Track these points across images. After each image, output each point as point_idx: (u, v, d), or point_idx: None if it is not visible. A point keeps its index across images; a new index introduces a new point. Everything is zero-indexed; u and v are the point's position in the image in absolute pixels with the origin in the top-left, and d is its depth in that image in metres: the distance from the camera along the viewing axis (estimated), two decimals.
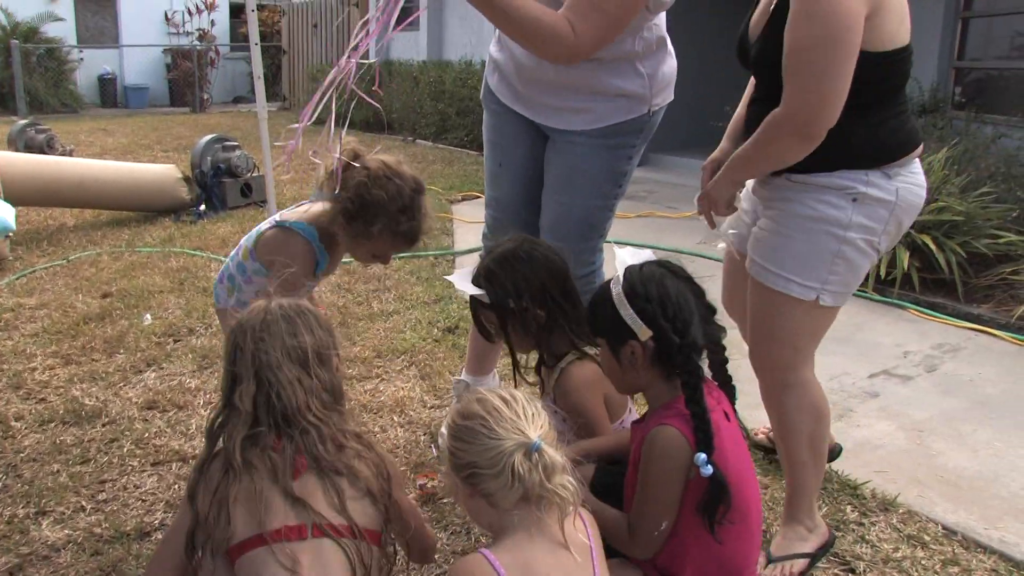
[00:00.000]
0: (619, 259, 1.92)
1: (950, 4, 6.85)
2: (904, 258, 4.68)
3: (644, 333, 1.81)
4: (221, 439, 1.70)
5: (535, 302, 2.14)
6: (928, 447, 3.04)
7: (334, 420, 1.73)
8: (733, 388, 1.95)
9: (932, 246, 4.68)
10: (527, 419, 1.60)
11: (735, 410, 1.95)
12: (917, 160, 2.15)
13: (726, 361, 1.93)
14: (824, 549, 2.34)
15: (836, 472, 2.77)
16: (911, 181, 2.11)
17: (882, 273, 4.68)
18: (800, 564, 2.27)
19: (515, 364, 2.27)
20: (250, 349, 1.71)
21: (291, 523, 1.60)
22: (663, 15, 2.54)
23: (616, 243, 2.13)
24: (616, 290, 1.86)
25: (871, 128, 2.03)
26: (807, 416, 2.28)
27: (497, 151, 2.78)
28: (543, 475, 1.56)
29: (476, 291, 2.16)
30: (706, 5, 9.28)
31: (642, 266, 1.89)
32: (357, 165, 2.36)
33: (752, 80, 2.33)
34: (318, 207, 2.46)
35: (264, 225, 2.58)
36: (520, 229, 2.70)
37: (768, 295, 2.20)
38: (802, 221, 2.10)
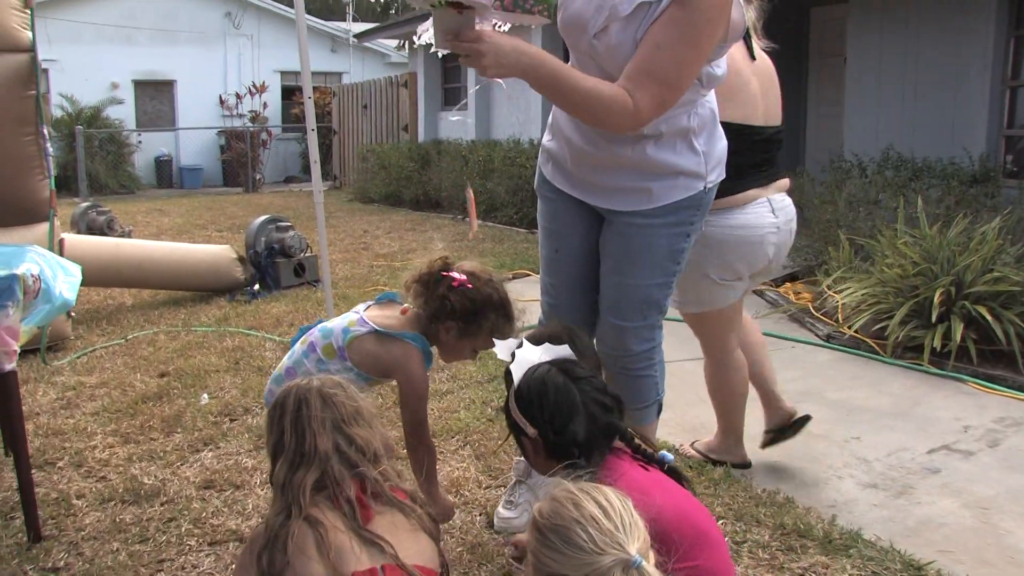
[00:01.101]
0: (518, 361, 2.06)
1: (996, 74, 6.85)
2: (959, 329, 4.61)
3: (530, 430, 1.98)
4: (286, 490, 1.78)
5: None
6: (996, 526, 2.96)
7: (393, 469, 1.88)
8: (660, 461, 2.00)
9: (988, 317, 4.61)
10: (626, 530, 1.48)
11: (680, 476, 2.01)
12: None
13: (636, 446, 2.01)
14: (742, 466, 3.42)
15: (899, 552, 2.71)
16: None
17: (937, 345, 4.61)
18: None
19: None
20: (318, 400, 1.86)
21: (363, 567, 1.67)
22: (713, 93, 2.58)
23: (525, 336, 2.19)
24: (510, 393, 2.04)
25: None
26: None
27: (553, 238, 2.80)
28: None
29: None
30: None
31: (535, 368, 2.03)
32: (454, 275, 2.57)
33: None
34: (395, 310, 2.65)
35: (341, 322, 2.62)
36: (578, 313, 2.75)
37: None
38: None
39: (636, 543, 1.47)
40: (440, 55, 2.29)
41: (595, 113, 2.30)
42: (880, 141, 7.28)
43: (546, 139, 2.79)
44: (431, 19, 2.17)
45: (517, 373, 2.03)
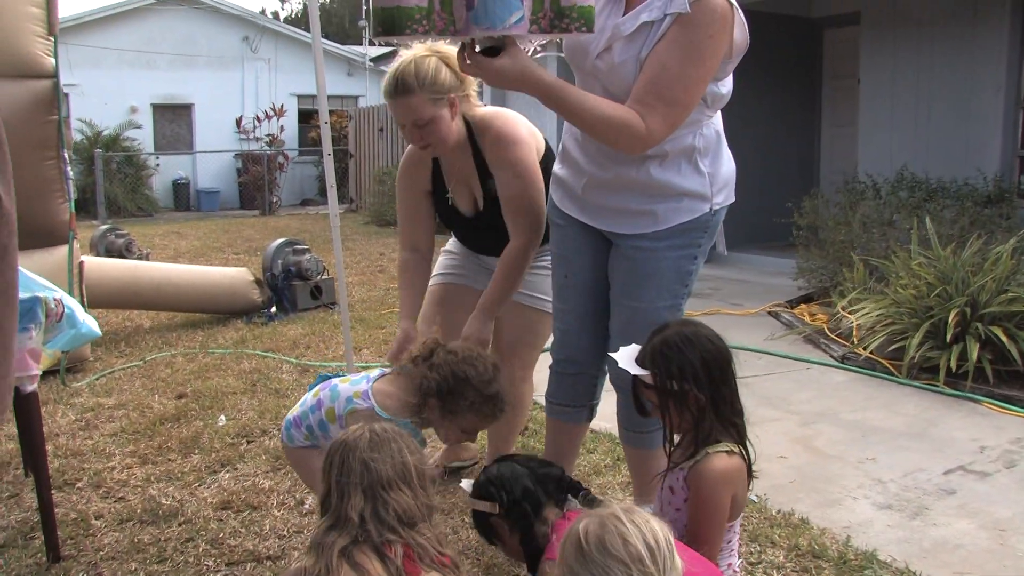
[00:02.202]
0: (464, 483, 2.33)
1: (1010, 95, 6.88)
2: (974, 350, 4.60)
3: (493, 508, 2.22)
4: (319, 549, 1.79)
5: (697, 386, 2.17)
6: (1013, 547, 2.95)
7: (433, 534, 1.87)
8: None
9: (1004, 338, 4.61)
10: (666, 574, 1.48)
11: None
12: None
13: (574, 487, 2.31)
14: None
15: (914, 573, 2.70)
16: None
17: (952, 366, 4.60)
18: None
19: (669, 439, 2.29)
20: (359, 465, 1.85)
21: None
22: (719, 115, 2.61)
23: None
24: (466, 496, 2.31)
25: None
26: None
27: (563, 264, 2.83)
28: None
29: (640, 372, 2.23)
30: (767, 107, 9.43)
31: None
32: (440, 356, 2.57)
33: None
34: (402, 386, 2.63)
35: (350, 390, 2.64)
36: (589, 339, 2.79)
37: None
38: None
39: None
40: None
41: (606, 133, 2.35)
42: (895, 162, 7.29)
43: (556, 167, 2.82)
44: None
45: (467, 486, 2.33)
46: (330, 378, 2.73)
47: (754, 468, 2.23)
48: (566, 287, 2.83)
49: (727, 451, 2.15)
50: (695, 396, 2.17)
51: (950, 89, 7.27)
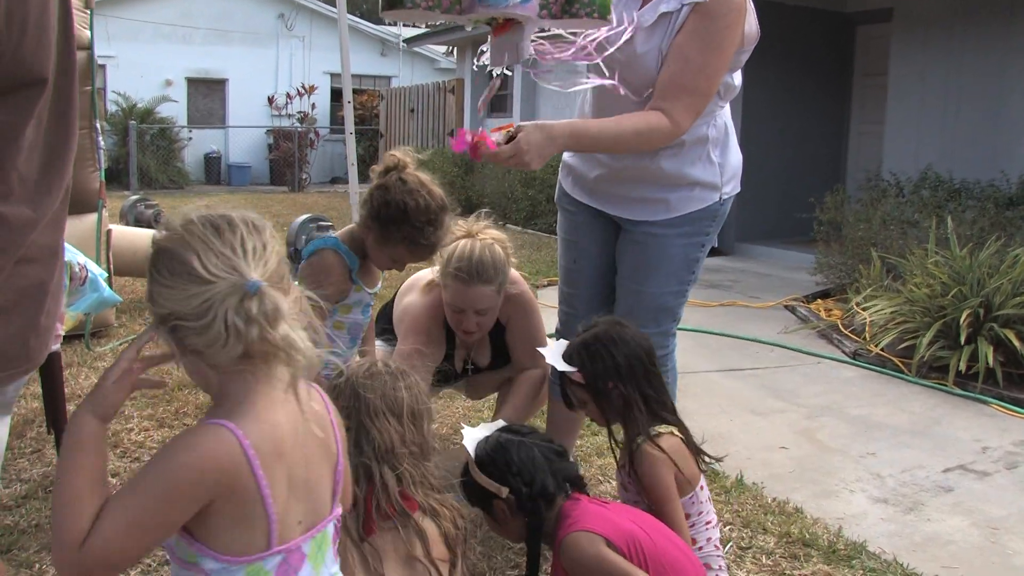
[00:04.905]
0: (467, 439, 2.22)
1: None
2: (988, 352, 4.62)
3: (502, 491, 2.11)
4: None
5: (623, 381, 2.27)
6: (1004, 546, 2.99)
7: (422, 469, 1.88)
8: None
9: (1015, 340, 4.62)
10: (246, 254, 1.31)
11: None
12: None
13: (583, 486, 2.23)
14: None
15: (901, 565, 2.76)
16: None
17: (962, 367, 4.63)
18: None
19: (611, 435, 2.39)
20: (350, 391, 1.86)
21: None
22: (728, 109, 2.68)
23: (466, 427, 2.30)
24: (471, 465, 2.17)
25: None
26: None
27: (572, 249, 2.90)
28: (265, 324, 1.26)
29: (568, 368, 2.31)
30: (797, 102, 9.45)
31: (487, 438, 2.20)
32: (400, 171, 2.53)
33: None
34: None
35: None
36: None
37: None
38: None
39: (259, 268, 1.31)
40: (497, 72, 2.38)
41: (640, 146, 2.47)
42: (919, 161, 7.29)
43: (567, 155, 2.89)
44: (488, 41, 2.28)
45: (470, 447, 2.20)
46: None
47: (703, 442, 2.39)
48: (574, 271, 2.90)
49: (657, 434, 2.25)
50: (621, 392, 2.28)
51: (979, 90, 7.24)
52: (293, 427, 1.36)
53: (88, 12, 4.96)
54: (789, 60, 8.94)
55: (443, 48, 21.24)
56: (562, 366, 2.33)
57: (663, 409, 2.33)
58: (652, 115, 2.39)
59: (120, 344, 5.17)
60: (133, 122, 17.76)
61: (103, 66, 18.91)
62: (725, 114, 2.68)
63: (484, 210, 3.06)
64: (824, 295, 6.85)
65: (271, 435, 1.32)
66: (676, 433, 2.28)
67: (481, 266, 2.77)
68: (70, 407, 3.74)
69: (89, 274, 3.17)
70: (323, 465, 1.44)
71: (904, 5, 7.91)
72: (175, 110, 20.39)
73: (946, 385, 4.69)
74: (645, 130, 2.40)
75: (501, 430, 2.23)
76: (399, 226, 2.46)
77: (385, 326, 3.37)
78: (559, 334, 2.98)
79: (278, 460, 1.32)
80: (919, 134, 7.64)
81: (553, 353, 2.38)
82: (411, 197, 2.44)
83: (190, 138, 20.20)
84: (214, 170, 20.86)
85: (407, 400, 1.89)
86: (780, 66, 8.53)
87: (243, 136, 21.04)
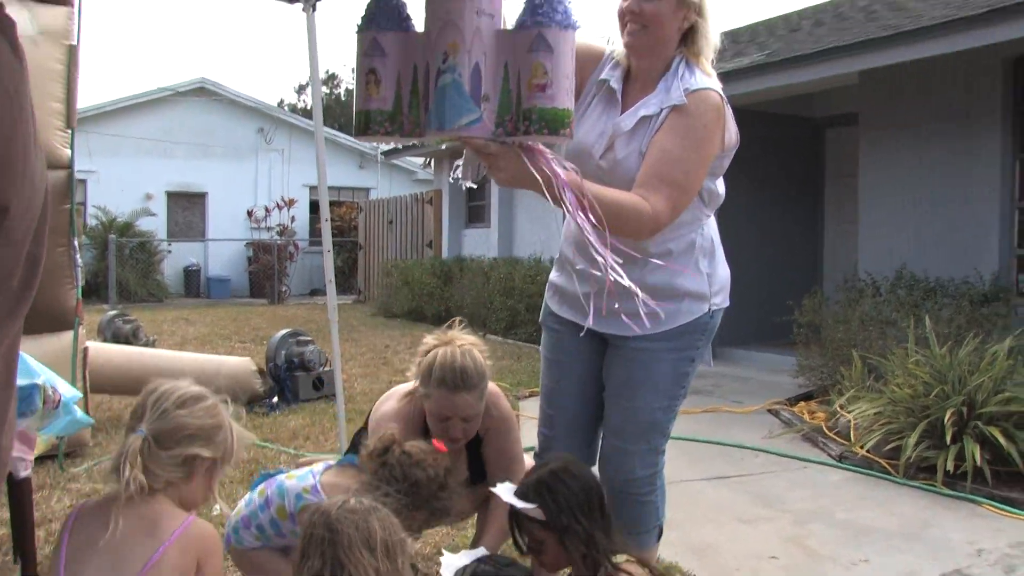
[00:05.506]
0: (445, 567, 2.19)
1: (1005, 194, 6.97)
2: (975, 451, 4.58)
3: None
4: None
5: (585, 517, 2.22)
6: None
7: None
8: None
9: (1001, 438, 4.59)
10: None
11: None
12: None
13: None
14: None
15: None
16: None
17: (950, 467, 4.59)
18: None
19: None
20: (322, 529, 1.85)
21: None
22: (714, 221, 2.69)
23: (446, 552, 2.31)
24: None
25: None
26: None
27: (555, 368, 2.84)
28: None
29: (527, 506, 2.24)
30: (772, 205, 9.63)
31: (464, 568, 2.19)
32: (396, 451, 2.54)
33: None
34: (350, 478, 2.60)
35: (297, 486, 2.64)
36: (576, 445, 2.78)
37: None
38: None
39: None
40: (465, 187, 2.37)
41: (618, 218, 2.30)
42: (894, 259, 7.37)
43: (553, 275, 2.87)
44: (463, 155, 2.28)
45: (448, 573, 2.18)
46: (273, 475, 2.73)
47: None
48: (557, 392, 2.84)
49: (619, 566, 2.20)
50: (583, 528, 2.21)
51: (947, 189, 7.37)
52: None
53: (69, 132, 5.01)
54: (764, 164, 9.13)
55: (421, 160, 21.56)
56: (521, 504, 2.25)
57: (611, 547, 2.26)
58: (636, 197, 2.33)
59: (96, 464, 5.06)
60: (113, 236, 17.84)
61: (83, 181, 19.10)
62: (712, 225, 2.67)
63: (457, 318, 3.06)
64: (807, 397, 6.83)
65: None
66: (637, 563, 2.23)
67: (464, 373, 2.75)
68: (40, 533, 3.63)
69: (62, 397, 3.11)
70: None
71: (868, 110, 8.11)
72: (155, 223, 20.56)
73: (935, 486, 4.64)
74: (627, 206, 2.30)
75: (480, 560, 2.16)
76: (415, 496, 2.48)
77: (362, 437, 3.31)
78: (537, 456, 2.91)
79: None
80: (892, 233, 7.75)
81: (506, 491, 2.32)
82: (420, 469, 2.49)
83: (169, 251, 20.31)
84: (194, 283, 20.89)
85: (380, 534, 1.88)
86: (755, 170, 8.68)
87: (223, 249, 21.16)
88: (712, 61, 2.54)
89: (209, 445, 2.08)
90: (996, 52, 6.75)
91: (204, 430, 2.08)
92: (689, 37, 2.50)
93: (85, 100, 20.10)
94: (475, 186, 2.36)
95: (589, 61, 2.60)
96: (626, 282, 2.14)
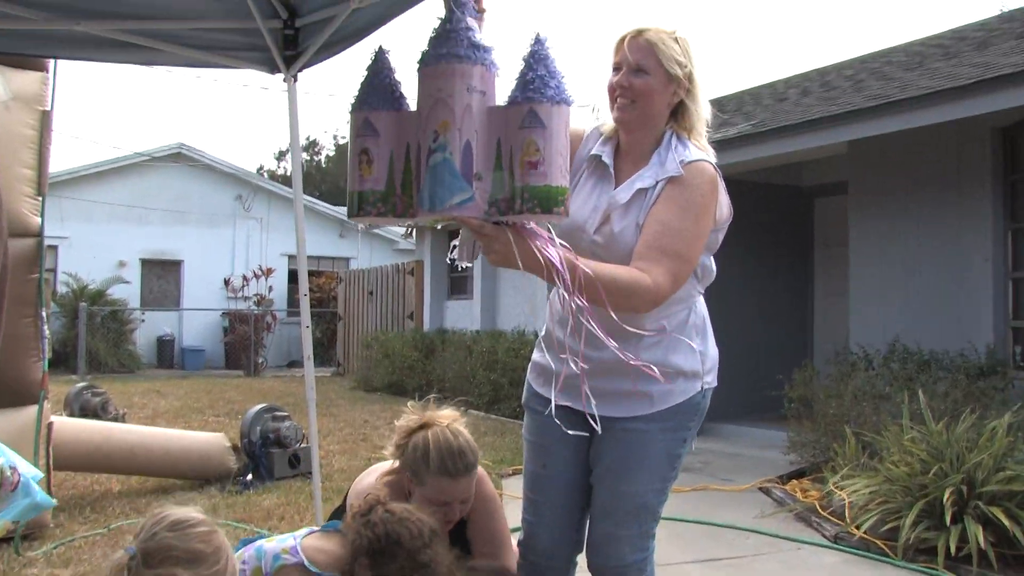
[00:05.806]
0: None
1: (999, 266, 6.91)
2: (977, 532, 4.42)
3: None
4: None
5: None
6: None
7: None
8: None
9: (1004, 519, 4.44)
10: None
11: None
12: None
13: None
14: None
15: None
16: None
17: (952, 549, 4.42)
18: None
19: None
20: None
21: None
22: (702, 300, 2.62)
23: None
24: None
25: None
26: None
27: (540, 453, 2.73)
28: None
29: None
30: (761, 276, 9.58)
31: None
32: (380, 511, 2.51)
33: None
34: (334, 542, 2.57)
35: (276, 547, 2.58)
36: (562, 531, 2.69)
37: None
38: None
39: None
40: (462, 267, 2.31)
41: (617, 293, 2.26)
42: (886, 331, 7.26)
43: (536, 355, 2.77)
44: (459, 235, 2.22)
45: None
46: (253, 540, 2.67)
47: None
48: (543, 477, 2.73)
49: None
50: None
51: (938, 259, 7.31)
52: None
53: (40, 199, 4.87)
54: (752, 234, 9.06)
55: (402, 230, 21.51)
56: None
57: None
58: (635, 271, 2.30)
59: (55, 546, 4.80)
60: (84, 304, 17.50)
61: (55, 247, 18.88)
62: (702, 304, 2.63)
63: (432, 395, 3.00)
64: (799, 475, 6.66)
65: None
66: None
67: (463, 456, 2.72)
68: None
69: (21, 478, 2.92)
70: None
71: (857, 178, 8.08)
72: (128, 291, 20.25)
73: (936, 569, 4.47)
74: (626, 280, 2.26)
75: None
76: (395, 558, 2.45)
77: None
78: (521, 544, 2.79)
79: None
80: (883, 303, 7.66)
81: None
82: (403, 527, 2.46)
83: (143, 320, 19.99)
84: (167, 353, 20.55)
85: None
86: (744, 240, 8.60)
87: (198, 319, 20.86)
88: (706, 136, 2.57)
89: (194, 569, 2.09)
90: (985, 121, 6.74)
91: (191, 553, 2.10)
92: (679, 112, 2.52)
93: (59, 164, 20.02)
94: (471, 265, 2.27)
95: (574, 139, 2.56)
96: (630, 358, 2.13)
